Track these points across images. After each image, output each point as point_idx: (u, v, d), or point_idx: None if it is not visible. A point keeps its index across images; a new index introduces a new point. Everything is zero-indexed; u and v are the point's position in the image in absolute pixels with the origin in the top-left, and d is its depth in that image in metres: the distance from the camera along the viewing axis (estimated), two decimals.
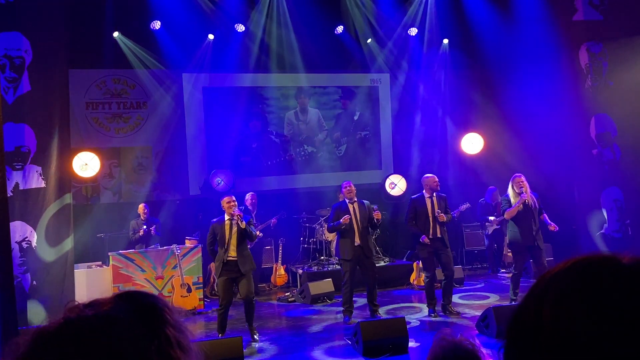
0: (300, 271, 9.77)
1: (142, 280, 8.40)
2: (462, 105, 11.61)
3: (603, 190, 9.33)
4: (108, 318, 0.80)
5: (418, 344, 6.30)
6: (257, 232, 8.34)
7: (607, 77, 9.38)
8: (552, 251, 9.35)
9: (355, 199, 7.52)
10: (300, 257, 10.39)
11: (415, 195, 7.79)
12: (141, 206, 9.38)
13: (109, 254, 8.47)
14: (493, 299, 8.44)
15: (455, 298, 7.90)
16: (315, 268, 9.78)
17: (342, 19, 11.16)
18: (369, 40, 11.26)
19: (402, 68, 11.64)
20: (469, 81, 11.57)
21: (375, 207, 7.60)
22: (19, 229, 7.36)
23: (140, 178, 10.31)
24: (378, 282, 7.75)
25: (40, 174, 7.61)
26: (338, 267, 9.43)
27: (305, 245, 10.27)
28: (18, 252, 7.35)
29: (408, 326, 6.33)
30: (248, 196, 9.56)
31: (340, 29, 11.12)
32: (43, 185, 7.62)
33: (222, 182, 10.19)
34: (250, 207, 9.44)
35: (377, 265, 8.33)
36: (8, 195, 6.23)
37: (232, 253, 6.75)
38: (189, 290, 8.53)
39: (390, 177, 11.36)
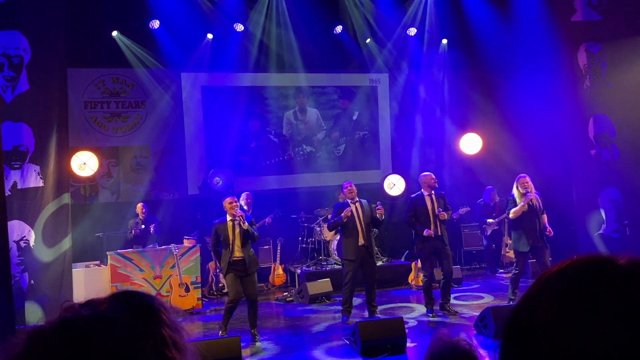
0: (298, 271, 9.77)
1: (140, 280, 8.39)
2: (461, 105, 11.61)
3: (601, 190, 9.33)
4: (104, 318, 0.80)
5: (415, 344, 6.31)
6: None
7: (605, 78, 9.39)
8: (551, 251, 9.32)
9: (357, 199, 7.53)
10: (299, 257, 10.39)
11: (414, 195, 7.77)
12: (139, 205, 9.38)
13: (107, 253, 8.46)
14: (491, 299, 8.44)
15: (452, 299, 7.90)
16: (313, 268, 9.78)
17: (341, 18, 11.16)
18: (368, 40, 11.26)
19: (401, 68, 11.64)
20: (468, 81, 11.56)
21: (378, 202, 7.61)
22: (16, 228, 7.35)
23: (138, 177, 10.31)
24: (377, 282, 7.75)
25: (38, 173, 7.59)
26: (336, 267, 9.44)
27: (304, 245, 10.28)
28: (16, 252, 7.33)
29: (406, 326, 6.34)
30: (243, 196, 9.53)
31: (339, 28, 11.11)
32: (41, 184, 7.61)
33: (221, 182, 10.17)
34: (245, 207, 9.42)
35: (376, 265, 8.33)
36: (6, 194, 6.23)
37: (238, 253, 6.84)
38: (187, 289, 8.53)
39: (389, 177, 11.35)
